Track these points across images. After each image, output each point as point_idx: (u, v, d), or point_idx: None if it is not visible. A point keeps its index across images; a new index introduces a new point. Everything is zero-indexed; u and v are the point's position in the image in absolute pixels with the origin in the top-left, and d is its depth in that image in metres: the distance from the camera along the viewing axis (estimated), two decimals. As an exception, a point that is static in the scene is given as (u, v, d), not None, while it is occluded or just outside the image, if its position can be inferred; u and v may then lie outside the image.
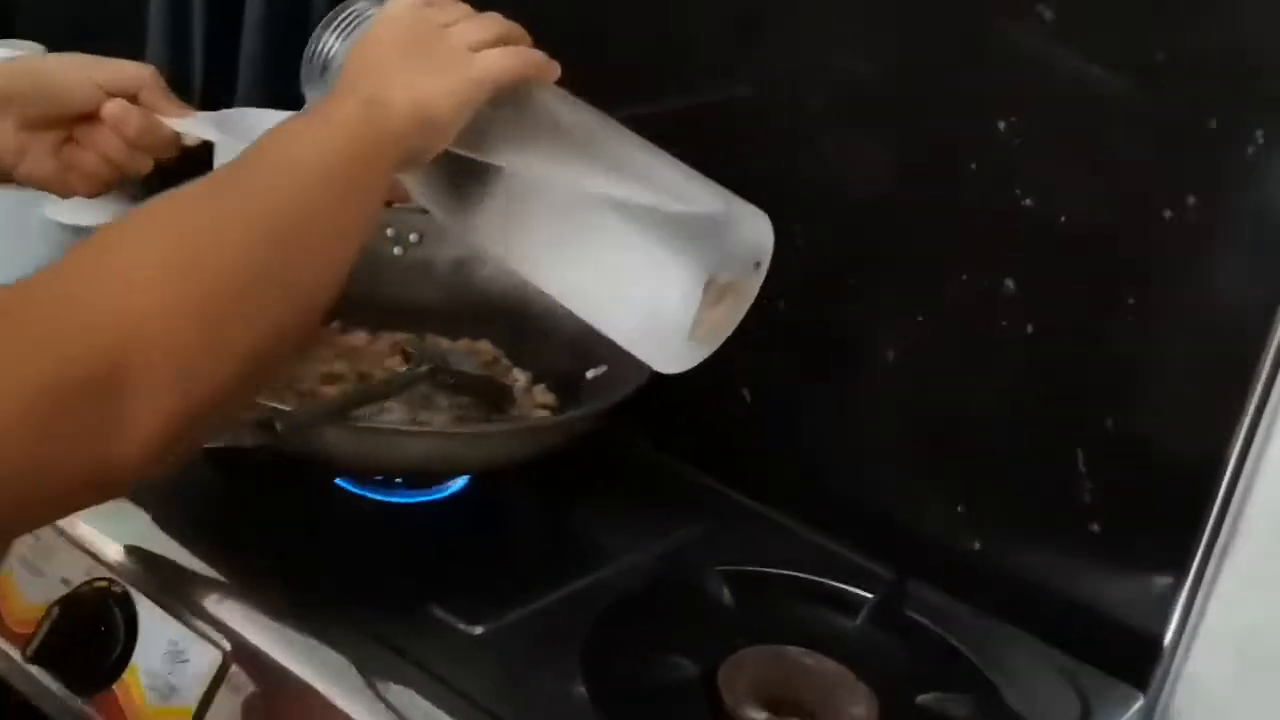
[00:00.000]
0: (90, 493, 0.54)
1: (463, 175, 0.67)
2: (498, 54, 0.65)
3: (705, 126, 0.96)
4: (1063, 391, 0.85)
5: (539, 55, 0.68)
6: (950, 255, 0.87)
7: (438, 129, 0.64)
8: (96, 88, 0.73)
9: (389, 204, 0.68)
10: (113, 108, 0.73)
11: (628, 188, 0.65)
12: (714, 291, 0.64)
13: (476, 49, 0.65)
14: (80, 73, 0.74)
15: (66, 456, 0.51)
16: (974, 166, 0.85)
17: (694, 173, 0.68)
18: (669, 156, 0.68)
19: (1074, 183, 0.82)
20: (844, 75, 0.90)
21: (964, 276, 0.86)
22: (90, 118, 0.73)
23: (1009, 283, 0.85)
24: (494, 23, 0.67)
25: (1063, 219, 0.82)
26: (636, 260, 0.64)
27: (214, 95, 1.14)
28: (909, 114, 0.87)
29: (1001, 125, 0.83)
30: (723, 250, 0.64)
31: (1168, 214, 0.78)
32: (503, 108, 0.65)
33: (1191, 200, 0.77)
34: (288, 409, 0.74)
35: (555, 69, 0.68)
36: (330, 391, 0.86)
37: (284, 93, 1.06)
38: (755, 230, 0.66)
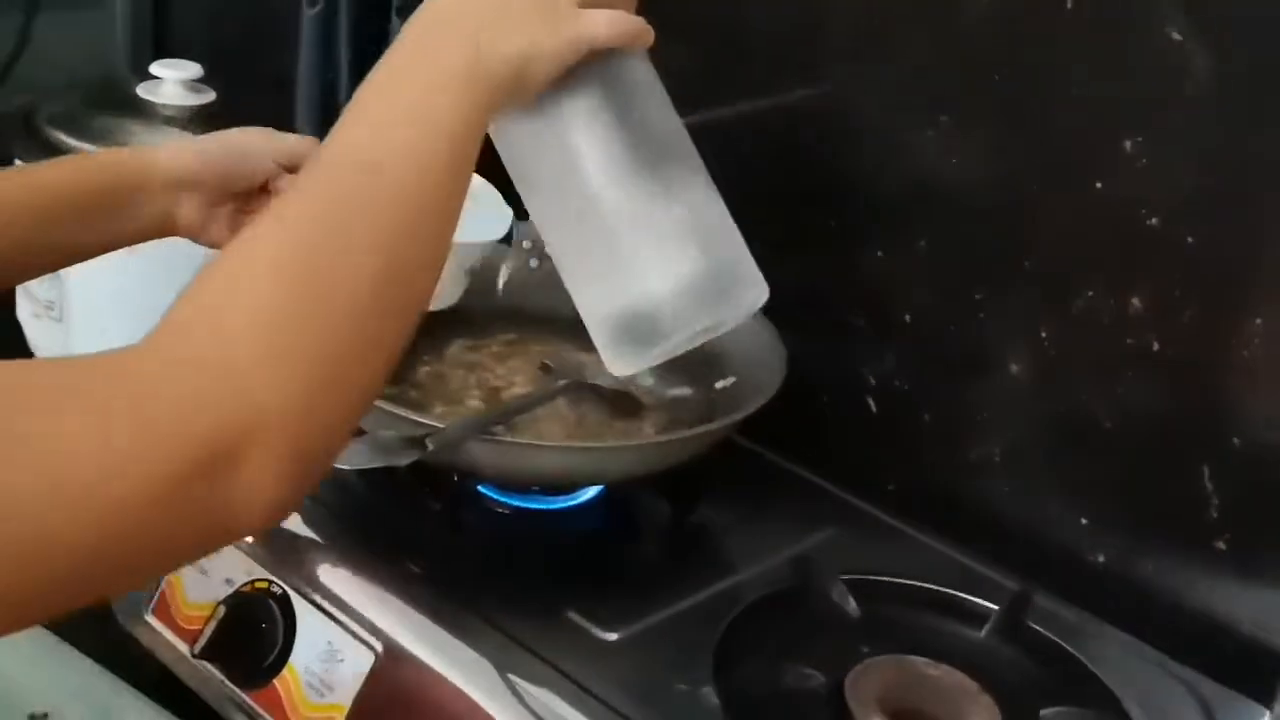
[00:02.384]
0: (209, 550, 0.55)
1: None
2: (606, 16, 0.61)
3: (833, 135, 0.98)
4: (1189, 408, 0.86)
5: (641, 22, 0.63)
6: (1077, 271, 0.88)
7: (531, 86, 0.60)
8: (273, 162, 0.79)
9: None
10: (282, 184, 0.78)
11: (673, 206, 0.63)
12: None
13: (584, 4, 0.61)
14: (263, 148, 0.80)
15: (187, 528, 0.51)
16: (1100, 185, 0.86)
17: (726, 212, 0.66)
18: (712, 185, 0.66)
19: (1200, 203, 0.82)
20: (973, 91, 0.91)
21: (1090, 293, 0.87)
22: (264, 188, 0.79)
23: (1135, 301, 0.86)
24: None
25: (1189, 239, 0.83)
26: (647, 273, 0.62)
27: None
28: (1039, 129, 0.88)
29: (1128, 144, 0.84)
30: (728, 305, 0.64)
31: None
32: (587, 74, 0.61)
33: (1321, 221, 0.78)
34: (439, 426, 0.78)
35: (651, 36, 0.64)
36: (472, 405, 0.90)
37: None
38: (756, 297, 0.65)
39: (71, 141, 1.11)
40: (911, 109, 0.94)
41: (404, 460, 0.76)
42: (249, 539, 0.84)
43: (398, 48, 0.60)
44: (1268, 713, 0.82)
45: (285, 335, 0.52)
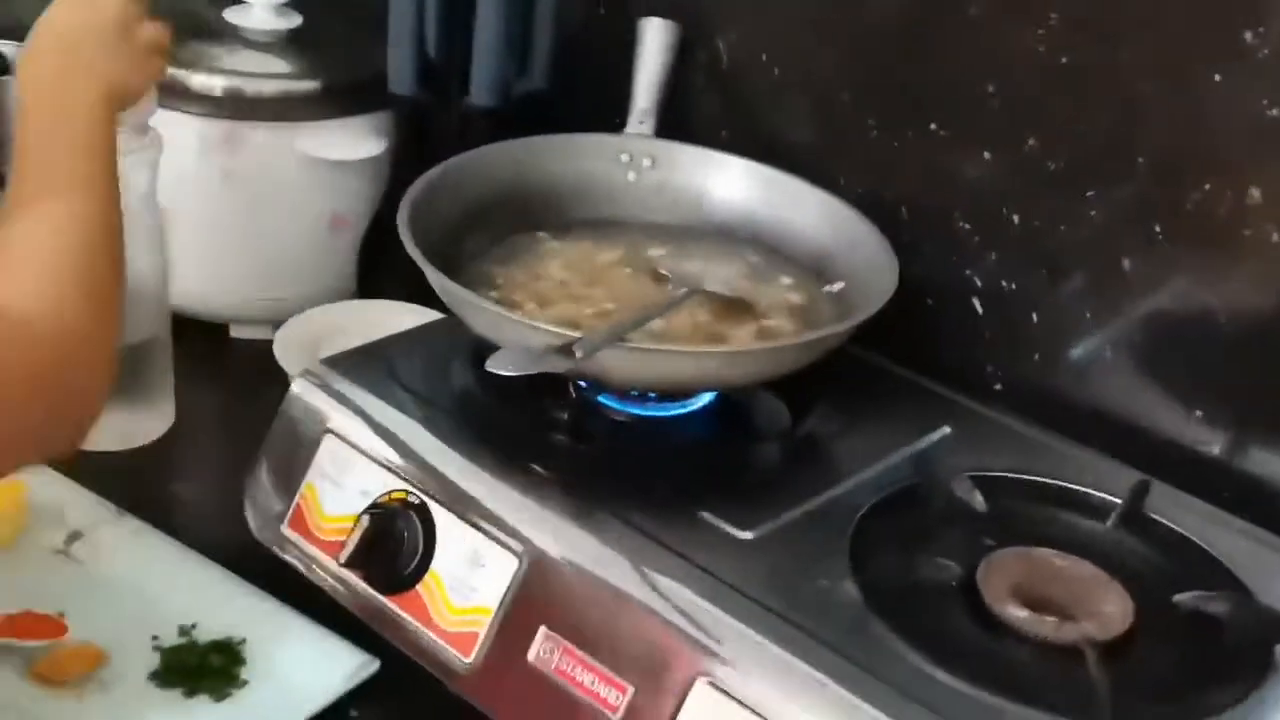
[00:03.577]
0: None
1: None
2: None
3: (938, 38, 0.99)
4: (1307, 298, 0.87)
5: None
6: (1193, 165, 0.88)
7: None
8: None
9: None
10: None
11: None
12: None
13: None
14: None
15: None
16: (1218, 78, 0.86)
17: None
18: None
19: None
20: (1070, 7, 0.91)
21: (1207, 185, 0.88)
22: None
23: (1254, 191, 0.86)
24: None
25: (1312, 129, 0.83)
26: None
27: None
28: (1153, 21, 0.88)
29: (1248, 35, 0.84)
30: None
31: None
32: None
33: None
34: (583, 336, 0.80)
35: None
36: (603, 315, 0.92)
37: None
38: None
39: (164, 68, 1.12)
40: (1020, 7, 0.94)
41: (558, 367, 0.78)
42: (379, 442, 0.87)
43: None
44: (1392, 593, 0.84)
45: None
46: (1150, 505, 0.87)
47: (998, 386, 1.00)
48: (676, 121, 1.10)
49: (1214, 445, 0.92)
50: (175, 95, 1.10)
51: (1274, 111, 0.84)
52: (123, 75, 0.82)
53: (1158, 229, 0.91)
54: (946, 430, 0.93)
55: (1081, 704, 0.72)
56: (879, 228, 0.97)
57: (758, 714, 0.71)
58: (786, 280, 0.99)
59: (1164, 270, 0.92)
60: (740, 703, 0.72)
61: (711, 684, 0.73)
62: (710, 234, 1.04)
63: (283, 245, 1.17)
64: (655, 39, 1.10)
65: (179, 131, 1.07)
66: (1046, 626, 0.77)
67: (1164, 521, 0.87)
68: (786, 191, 1.03)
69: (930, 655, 0.74)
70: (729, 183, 1.06)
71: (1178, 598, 0.80)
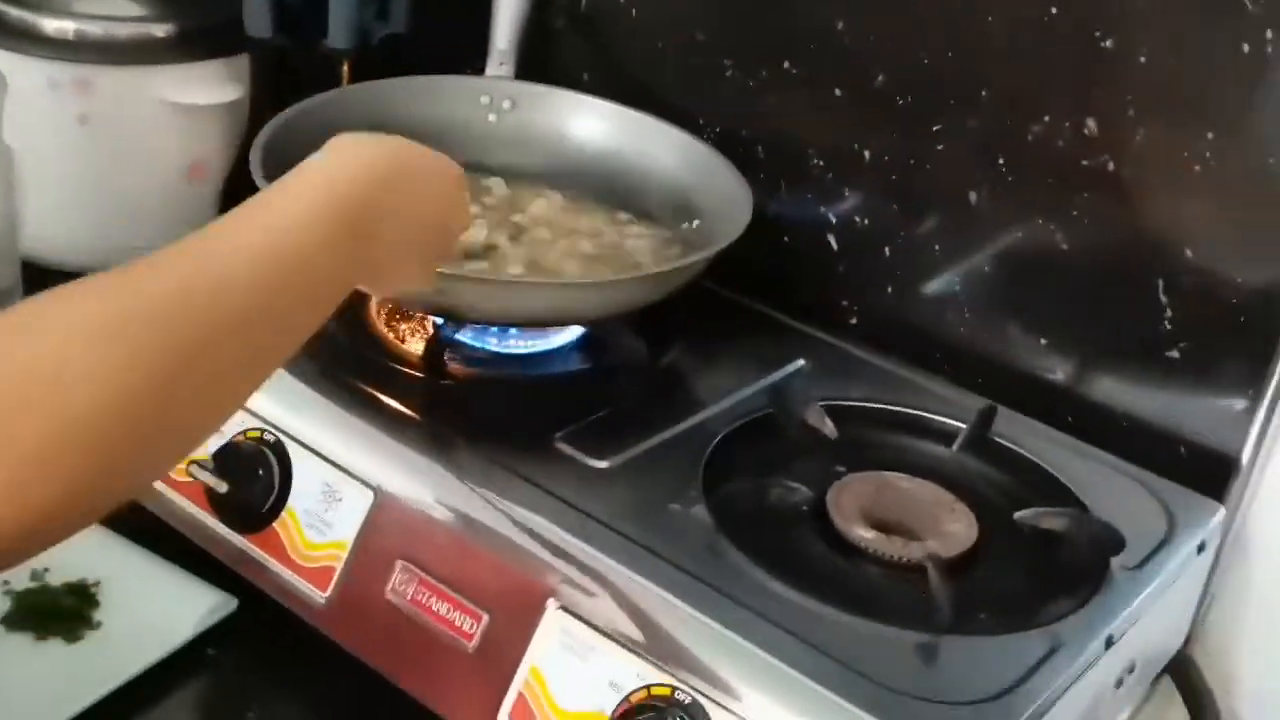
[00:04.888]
0: None
1: None
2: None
3: None
4: (1143, 225, 0.90)
5: None
6: (1032, 97, 0.91)
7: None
8: None
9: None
10: None
11: None
12: None
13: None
14: None
15: None
16: (1054, 10, 0.88)
17: None
18: None
19: (1155, 23, 0.85)
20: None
21: (1046, 118, 0.90)
22: None
23: (1090, 122, 0.89)
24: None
25: (1141, 59, 0.86)
26: None
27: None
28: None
29: (1082, -32, 0.86)
30: None
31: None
32: None
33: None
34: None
35: None
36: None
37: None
38: None
39: (11, 10, 1.10)
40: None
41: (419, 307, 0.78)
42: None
43: (347, 196, 0.64)
44: (1222, 508, 0.87)
45: (48, 407, 0.51)
46: (996, 431, 0.90)
47: (853, 321, 1.02)
48: (537, 65, 1.10)
49: (1058, 373, 0.95)
50: (27, 38, 1.08)
51: (1107, 43, 0.86)
52: (407, 253, 0.69)
53: (1001, 162, 0.93)
54: (801, 363, 0.95)
55: (925, 616, 0.74)
56: (736, 166, 0.99)
57: (608, 635, 0.73)
58: (646, 219, 1.00)
59: (1009, 203, 0.94)
60: (590, 624, 0.73)
61: (563, 608, 0.74)
62: (570, 171, 1.04)
63: (140, 193, 1.15)
64: (514, -20, 1.10)
65: (31, 75, 1.05)
66: (893, 546, 0.79)
67: (1008, 445, 0.89)
68: (645, 131, 1.04)
69: (779, 575, 0.75)
70: (588, 124, 1.06)
71: (1018, 515, 0.82)
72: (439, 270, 0.75)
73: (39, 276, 1.06)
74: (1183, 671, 0.89)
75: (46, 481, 0.51)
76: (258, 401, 0.84)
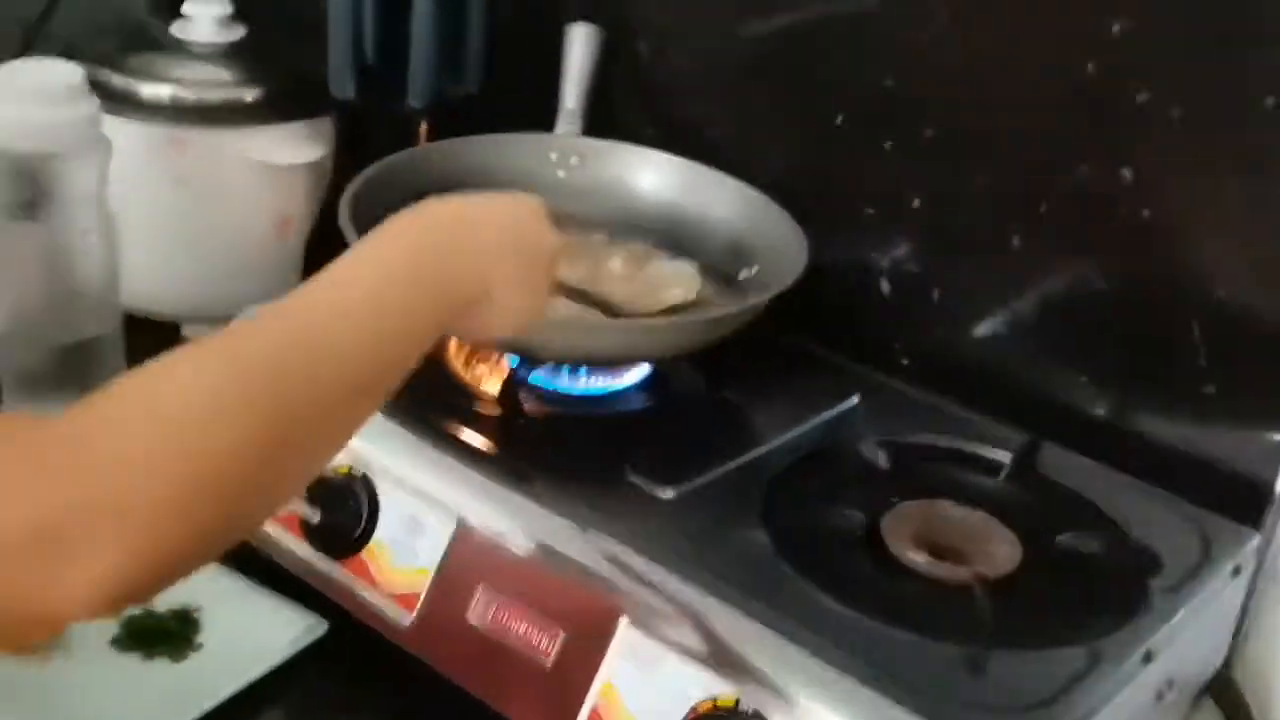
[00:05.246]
0: (18, 631, 0.56)
1: None
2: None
3: (844, 38, 1.06)
4: (1177, 268, 0.95)
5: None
6: (1072, 149, 0.96)
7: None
8: None
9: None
10: None
11: None
12: None
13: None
14: None
15: (13, 591, 0.54)
16: (1091, 67, 0.94)
17: None
18: None
19: (1187, 78, 0.91)
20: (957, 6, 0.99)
21: (1084, 166, 0.96)
22: None
23: (1125, 172, 0.94)
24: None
25: (1174, 113, 0.91)
26: None
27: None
28: (1033, 19, 0.96)
29: (1115, 28, 0.92)
30: None
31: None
32: None
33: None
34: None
35: None
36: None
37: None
38: None
39: (113, 78, 1.17)
40: (912, 10, 1.02)
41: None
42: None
43: (418, 243, 0.70)
44: (1257, 535, 0.92)
45: (151, 472, 0.55)
46: (1039, 462, 0.95)
47: (904, 360, 1.07)
48: (603, 121, 1.17)
49: (1098, 407, 0.99)
50: (126, 103, 1.16)
51: (1141, 96, 0.92)
52: (504, 284, 0.72)
53: (1042, 208, 0.99)
54: (855, 400, 1.01)
55: (970, 632, 0.79)
56: (792, 215, 1.05)
57: (676, 651, 0.78)
58: (705, 269, 1.06)
59: (1050, 247, 1.00)
60: (661, 640, 0.79)
61: (634, 625, 0.80)
62: (634, 222, 1.11)
63: (230, 246, 1.22)
64: (581, 43, 1.16)
65: (128, 137, 1.12)
66: (943, 568, 0.84)
67: (1050, 476, 0.94)
68: (705, 183, 1.10)
69: (835, 594, 0.80)
70: (652, 176, 1.13)
71: (1060, 539, 0.87)
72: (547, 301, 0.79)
73: (137, 326, 1.14)
74: (1223, 691, 0.93)
75: (180, 528, 0.56)
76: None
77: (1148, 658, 0.79)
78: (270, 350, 0.62)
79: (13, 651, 0.72)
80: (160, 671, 0.88)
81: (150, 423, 0.57)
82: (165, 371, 0.59)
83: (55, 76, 1.03)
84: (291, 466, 0.63)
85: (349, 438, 0.66)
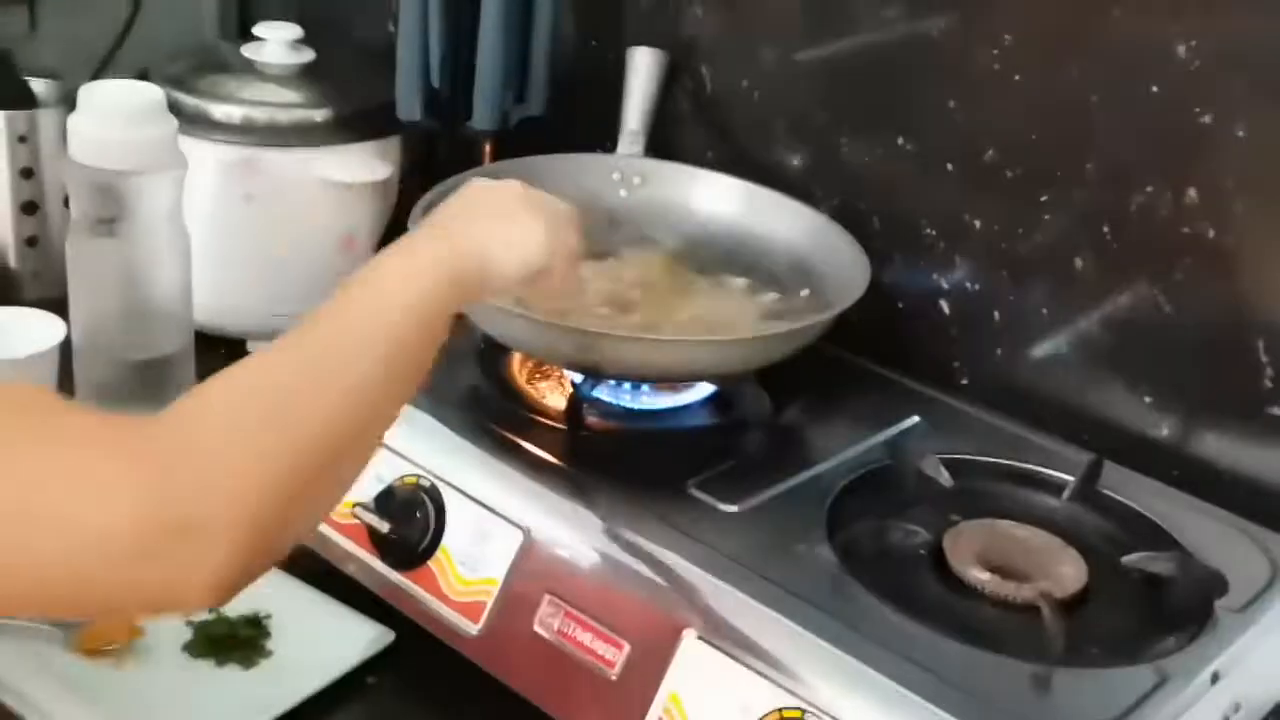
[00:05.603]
0: (151, 613, 0.65)
1: None
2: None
3: (904, 65, 1.07)
4: (1242, 288, 0.95)
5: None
6: (1135, 169, 0.97)
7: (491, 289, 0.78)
8: None
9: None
10: None
11: None
12: None
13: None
14: None
15: (142, 585, 0.58)
16: (1155, 89, 0.94)
17: None
18: None
19: (1250, 100, 0.91)
20: (1031, 9, 1.00)
21: (1149, 188, 0.96)
22: None
23: (1191, 193, 0.94)
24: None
25: (1240, 134, 0.91)
26: None
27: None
28: (1097, 40, 0.97)
29: (1181, 49, 0.92)
30: None
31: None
32: None
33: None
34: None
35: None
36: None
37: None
38: None
39: (186, 99, 1.20)
40: (975, 33, 1.02)
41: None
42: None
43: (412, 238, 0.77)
44: (1325, 556, 0.91)
45: (264, 439, 0.61)
46: (1103, 483, 0.95)
47: (964, 380, 1.08)
48: (665, 143, 1.19)
49: (1162, 428, 0.99)
50: (199, 124, 1.18)
51: (1206, 118, 0.92)
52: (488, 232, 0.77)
53: (1106, 230, 0.99)
54: (916, 419, 1.01)
55: (1037, 651, 0.79)
56: (853, 236, 1.05)
57: (741, 662, 0.79)
58: (767, 285, 1.07)
59: (1113, 268, 1.00)
60: (725, 653, 0.79)
61: (700, 637, 0.80)
62: (696, 244, 1.12)
63: (298, 264, 1.24)
64: (644, 66, 1.18)
65: (202, 158, 1.15)
66: (1007, 587, 0.84)
67: (1115, 496, 0.94)
68: (766, 204, 1.11)
69: (899, 608, 0.81)
70: (713, 197, 1.14)
71: (1126, 559, 0.87)
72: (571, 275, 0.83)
73: (205, 343, 1.16)
74: (1289, 715, 0.92)
75: (279, 512, 0.61)
76: (416, 451, 0.93)
77: (1215, 678, 0.79)
78: (319, 355, 0.67)
79: (104, 645, 0.85)
80: (231, 678, 0.89)
81: (246, 411, 0.62)
82: (254, 367, 0.65)
83: (136, 96, 1.05)
84: (359, 453, 0.68)
85: (397, 414, 0.70)
